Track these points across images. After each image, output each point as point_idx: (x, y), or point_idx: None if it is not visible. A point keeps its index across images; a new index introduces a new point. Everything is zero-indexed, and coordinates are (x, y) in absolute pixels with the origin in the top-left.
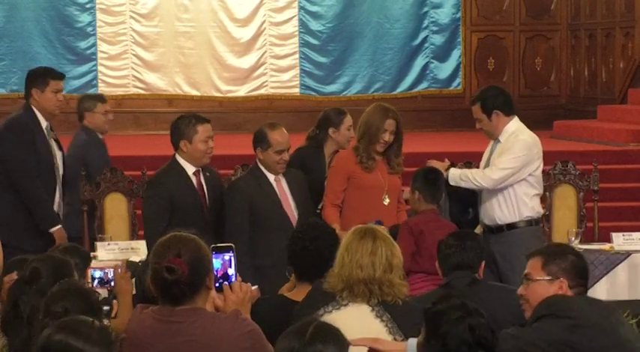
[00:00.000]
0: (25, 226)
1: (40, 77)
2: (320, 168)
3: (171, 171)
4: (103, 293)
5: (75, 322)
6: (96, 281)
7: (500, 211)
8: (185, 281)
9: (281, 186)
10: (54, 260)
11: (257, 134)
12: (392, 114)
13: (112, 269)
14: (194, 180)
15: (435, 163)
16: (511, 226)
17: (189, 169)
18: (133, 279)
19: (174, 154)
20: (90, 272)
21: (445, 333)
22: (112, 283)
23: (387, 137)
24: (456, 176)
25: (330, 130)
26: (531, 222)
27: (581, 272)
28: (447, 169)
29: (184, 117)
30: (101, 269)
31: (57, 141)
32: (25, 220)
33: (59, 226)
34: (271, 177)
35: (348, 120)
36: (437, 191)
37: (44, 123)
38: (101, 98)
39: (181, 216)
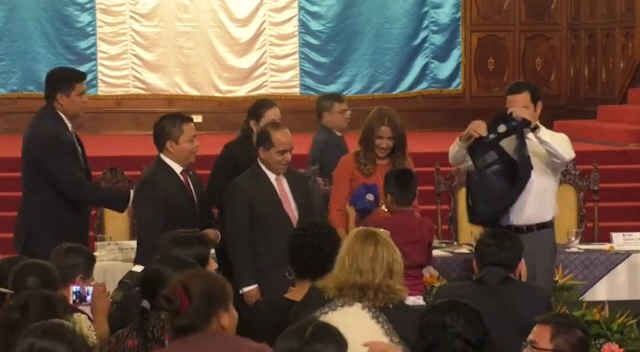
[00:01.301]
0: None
1: (65, 81)
2: (248, 163)
3: (162, 172)
4: (86, 310)
5: (53, 326)
6: (74, 296)
7: (535, 210)
8: (186, 313)
9: (282, 185)
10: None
11: (260, 133)
12: (387, 121)
13: (90, 287)
14: (182, 179)
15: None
16: (541, 226)
17: (177, 169)
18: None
19: (159, 155)
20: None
21: (425, 324)
22: (89, 298)
23: (384, 144)
24: (547, 134)
25: (252, 122)
26: (553, 222)
27: (585, 350)
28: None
29: (168, 118)
30: (79, 284)
31: (76, 136)
32: (58, 232)
33: (131, 193)
34: (272, 176)
35: (270, 113)
36: (409, 193)
37: (69, 126)
38: (338, 98)
39: (176, 214)
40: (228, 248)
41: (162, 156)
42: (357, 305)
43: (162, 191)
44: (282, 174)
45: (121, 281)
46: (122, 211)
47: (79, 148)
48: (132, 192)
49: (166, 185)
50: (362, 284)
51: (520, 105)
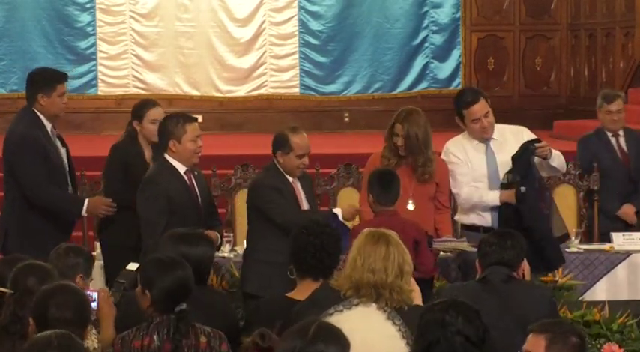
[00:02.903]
0: (38, 235)
1: (46, 82)
2: (139, 162)
3: (165, 171)
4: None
5: (67, 339)
6: None
7: None
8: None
9: (297, 188)
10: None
11: (278, 137)
12: (402, 119)
13: (95, 292)
14: (186, 178)
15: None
16: None
17: (181, 169)
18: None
19: (164, 154)
20: None
21: (424, 323)
22: (94, 305)
23: (400, 141)
24: (555, 157)
25: (134, 123)
26: None
27: None
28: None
29: (172, 117)
30: (83, 288)
31: (60, 137)
32: (37, 230)
33: (85, 202)
34: (290, 178)
35: (152, 113)
36: (391, 193)
37: (49, 126)
38: (608, 98)
39: (179, 215)
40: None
41: (166, 156)
42: (373, 306)
43: (165, 190)
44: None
45: (116, 281)
46: (76, 218)
47: (63, 149)
48: (87, 200)
49: (169, 184)
50: (376, 283)
51: (483, 112)
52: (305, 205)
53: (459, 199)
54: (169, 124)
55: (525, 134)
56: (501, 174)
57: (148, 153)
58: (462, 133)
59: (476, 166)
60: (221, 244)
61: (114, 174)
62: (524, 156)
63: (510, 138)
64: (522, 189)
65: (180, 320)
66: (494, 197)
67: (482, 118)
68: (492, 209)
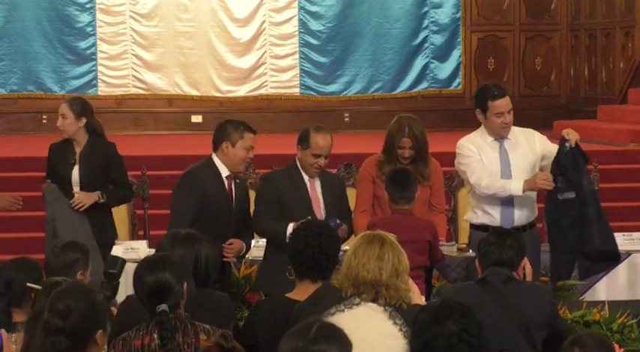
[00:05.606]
0: None
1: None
2: (65, 159)
3: (207, 169)
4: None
5: None
6: None
7: (532, 210)
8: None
9: (314, 187)
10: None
11: (302, 132)
12: (407, 131)
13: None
14: (226, 182)
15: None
16: (532, 224)
17: (224, 172)
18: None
19: (211, 155)
20: None
21: (419, 323)
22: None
23: (406, 153)
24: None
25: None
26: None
27: None
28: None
29: (234, 122)
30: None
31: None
32: None
33: None
34: (306, 176)
35: (60, 109)
36: (404, 191)
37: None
38: None
39: (210, 214)
40: (257, 231)
41: (213, 156)
42: (374, 305)
43: (201, 187)
44: (317, 177)
45: (105, 272)
46: None
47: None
48: None
49: (207, 182)
50: (371, 281)
51: (507, 109)
52: (320, 206)
53: (478, 189)
54: (229, 127)
55: (537, 137)
56: (513, 172)
57: (78, 150)
58: (475, 131)
59: (489, 163)
60: (245, 254)
61: (46, 174)
62: (560, 156)
63: (522, 139)
64: (559, 179)
65: (161, 322)
66: (517, 187)
67: (505, 114)
68: (502, 208)
